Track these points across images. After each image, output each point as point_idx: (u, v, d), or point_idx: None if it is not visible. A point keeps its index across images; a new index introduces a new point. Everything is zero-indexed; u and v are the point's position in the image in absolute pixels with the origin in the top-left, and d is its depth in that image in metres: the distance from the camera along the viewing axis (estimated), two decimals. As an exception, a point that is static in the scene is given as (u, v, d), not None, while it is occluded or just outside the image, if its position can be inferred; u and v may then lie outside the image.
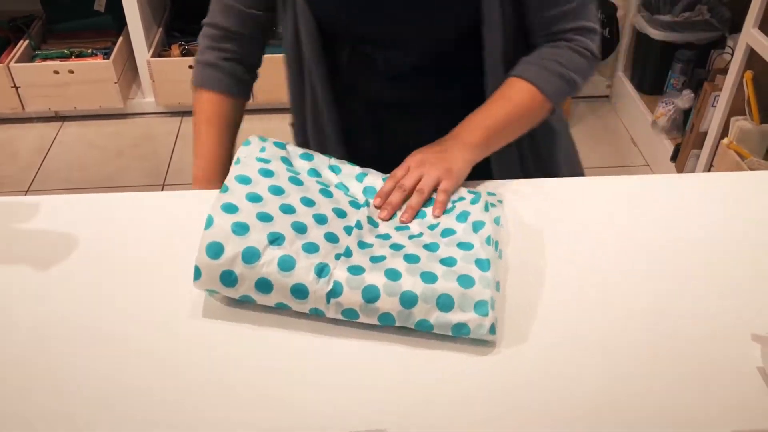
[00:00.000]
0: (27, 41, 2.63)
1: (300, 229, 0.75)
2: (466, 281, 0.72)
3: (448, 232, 0.80)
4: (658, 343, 0.72)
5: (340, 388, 0.67)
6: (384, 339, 0.72)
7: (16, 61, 2.53)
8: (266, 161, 0.83)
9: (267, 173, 0.81)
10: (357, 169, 0.88)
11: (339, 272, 0.71)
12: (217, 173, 1.02)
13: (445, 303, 0.70)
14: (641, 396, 0.67)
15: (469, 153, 0.88)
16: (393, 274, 0.72)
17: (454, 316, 0.70)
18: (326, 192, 0.83)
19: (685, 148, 2.17)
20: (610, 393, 0.67)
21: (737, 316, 0.76)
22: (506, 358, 0.71)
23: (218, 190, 0.78)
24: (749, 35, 1.83)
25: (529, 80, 0.92)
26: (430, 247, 0.77)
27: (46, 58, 2.60)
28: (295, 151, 0.88)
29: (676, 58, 2.40)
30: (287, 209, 0.77)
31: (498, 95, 0.93)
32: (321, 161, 0.88)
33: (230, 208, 0.74)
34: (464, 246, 0.77)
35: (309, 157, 0.88)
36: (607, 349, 0.72)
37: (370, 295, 0.70)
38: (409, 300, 0.70)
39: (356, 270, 0.72)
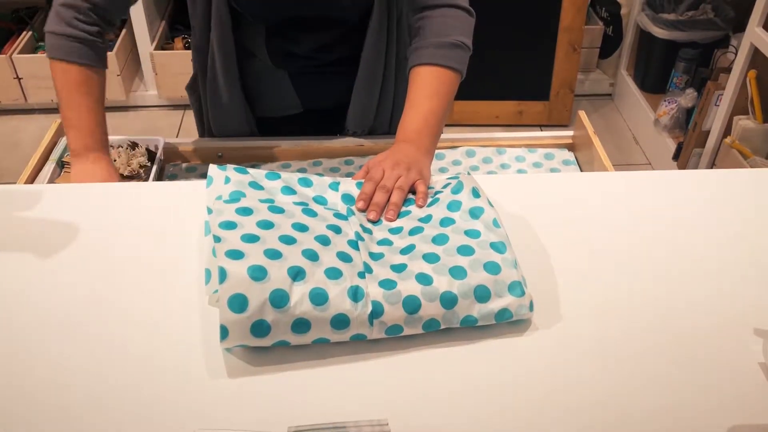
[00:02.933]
0: (30, 32, 2.62)
1: (312, 256, 0.71)
2: (492, 267, 0.72)
3: (446, 222, 0.80)
4: (659, 339, 0.72)
5: (342, 379, 0.67)
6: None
7: (19, 53, 2.53)
8: (236, 199, 0.79)
9: (246, 211, 0.76)
10: (327, 179, 0.88)
11: (373, 290, 0.69)
12: (100, 143, 1.03)
13: (482, 294, 0.71)
14: (642, 390, 0.67)
15: (428, 159, 0.95)
16: (424, 279, 0.71)
17: (495, 304, 0.71)
18: (309, 211, 0.80)
19: (688, 146, 2.17)
20: (610, 388, 0.67)
21: (738, 311, 0.75)
22: (501, 352, 0.71)
23: (211, 237, 0.72)
24: (753, 34, 1.82)
25: (437, 64, 0.98)
26: (440, 240, 0.77)
27: (48, 49, 2.59)
28: (259, 173, 0.85)
29: (679, 57, 2.40)
30: (288, 240, 0.72)
31: (423, 90, 0.98)
32: (290, 177, 0.86)
33: (236, 254, 0.68)
34: (471, 233, 0.77)
35: (276, 176, 0.85)
36: (606, 346, 0.71)
37: (412, 306, 0.69)
38: (449, 301, 0.70)
39: (388, 284, 0.70)
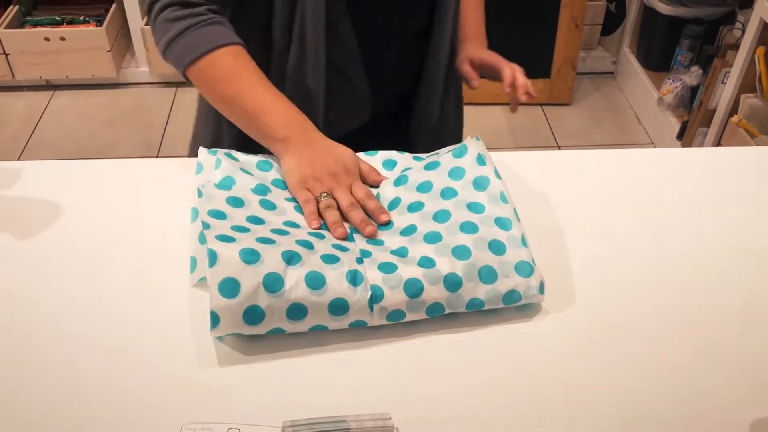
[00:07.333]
0: (17, 6, 2.55)
1: (306, 245, 0.66)
2: (497, 247, 0.68)
3: (448, 193, 0.74)
4: (678, 326, 0.68)
5: (341, 369, 0.63)
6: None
7: (6, 27, 2.46)
8: (227, 186, 0.74)
9: (236, 202, 0.72)
10: None
11: (372, 274, 0.65)
12: (302, 117, 0.82)
13: (488, 274, 0.67)
14: (661, 381, 0.63)
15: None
16: (426, 261, 0.66)
17: (502, 285, 0.67)
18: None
19: (692, 125, 2.12)
20: (627, 378, 0.63)
21: (753, 297, 0.71)
22: (510, 339, 0.67)
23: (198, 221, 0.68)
24: (763, 9, 1.77)
25: None
26: (442, 217, 0.72)
27: (36, 24, 2.52)
28: (249, 160, 0.79)
29: (684, 34, 2.34)
30: (280, 232, 0.69)
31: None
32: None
33: (227, 238, 0.64)
34: (474, 207, 0.72)
35: (268, 166, 0.79)
36: (623, 333, 0.68)
37: (414, 289, 0.65)
38: (453, 283, 0.65)
39: (388, 267, 0.65)
